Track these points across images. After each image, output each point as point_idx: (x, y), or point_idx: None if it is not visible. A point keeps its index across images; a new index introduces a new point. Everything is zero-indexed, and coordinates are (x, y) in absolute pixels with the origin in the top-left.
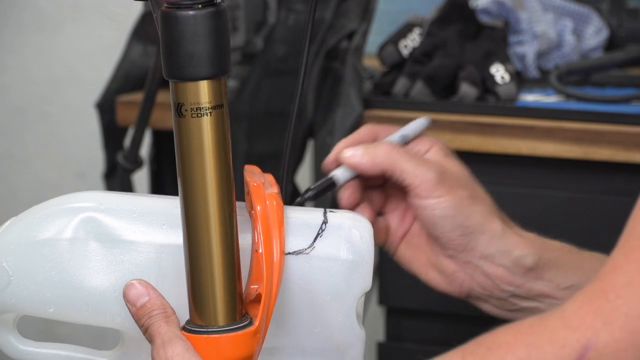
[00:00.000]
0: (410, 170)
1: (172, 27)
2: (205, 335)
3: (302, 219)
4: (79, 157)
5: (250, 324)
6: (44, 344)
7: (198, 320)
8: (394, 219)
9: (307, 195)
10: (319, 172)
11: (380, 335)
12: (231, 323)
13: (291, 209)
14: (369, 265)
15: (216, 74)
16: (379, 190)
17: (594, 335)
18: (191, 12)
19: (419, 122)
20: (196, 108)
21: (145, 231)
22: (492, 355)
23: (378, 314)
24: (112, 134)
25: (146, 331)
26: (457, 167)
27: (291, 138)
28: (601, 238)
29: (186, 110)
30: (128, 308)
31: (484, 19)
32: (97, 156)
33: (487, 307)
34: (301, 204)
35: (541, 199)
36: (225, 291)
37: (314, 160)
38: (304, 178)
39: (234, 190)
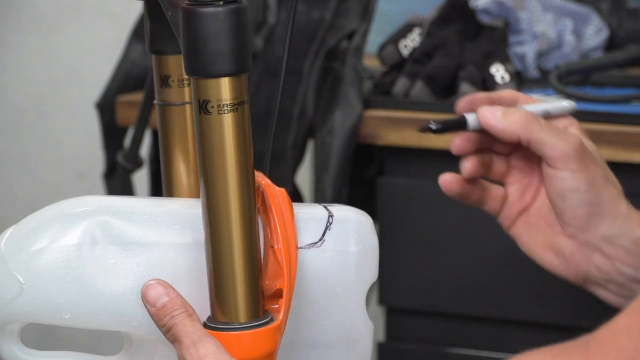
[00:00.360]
0: (549, 142)
1: (197, 24)
2: (228, 332)
3: (309, 214)
4: (79, 157)
5: (272, 319)
6: (48, 353)
7: (221, 317)
8: (514, 192)
9: (434, 126)
10: (319, 172)
11: (380, 335)
12: (254, 319)
13: (293, 205)
14: (375, 256)
15: (240, 71)
16: (504, 158)
17: None
18: (219, 9)
19: (564, 104)
20: (222, 105)
21: (158, 232)
22: None
23: (378, 314)
24: (112, 133)
25: (168, 331)
26: (593, 147)
27: (272, 137)
28: None
29: (212, 107)
30: (147, 309)
31: (484, 19)
32: (97, 156)
33: (605, 294)
34: (425, 130)
35: None
36: (248, 287)
37: (313, 160)
38: (304, 178)
39: (255, 187)
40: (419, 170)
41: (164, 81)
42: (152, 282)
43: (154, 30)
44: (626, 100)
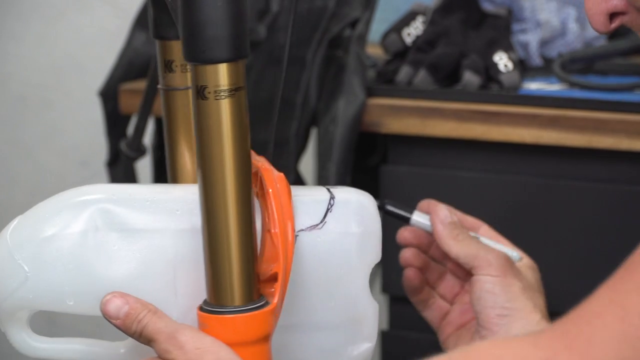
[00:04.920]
0: (475, 254)
1: (196, 10)
2: (222, 315)
3: (310, 196)
4: (82, 146)
5: (267, 303)
6: (58, 340)
7: (216, 301)
8: (456, 309)
9: (384, 205)
10: (322, 160)
11: (383, 323)
12: (249, 303)
13: (295, 188)
14: (377, 237)
15: (237, 57)
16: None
17: (553, 356)
18: None
19: (513, 254)
20: (219, 90)
21: (159, 218)
22: None
23: (381, 302)
24: (115, 122)
25: (141, 335)
26: (534, 278)
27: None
28: (605, 227)
29: (209, 92)
30: (113, 324)
31: (487, 7)
32: (100, 144)
33: None
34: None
35: (545, 187)
36: (243, 272)
37: (316, 149)
38: (307, 166)
39: (251, 172)
40: (422, 158)
41: (168, 66)
42: (107, 297)
43: (158, 15)
44: (629, 89)
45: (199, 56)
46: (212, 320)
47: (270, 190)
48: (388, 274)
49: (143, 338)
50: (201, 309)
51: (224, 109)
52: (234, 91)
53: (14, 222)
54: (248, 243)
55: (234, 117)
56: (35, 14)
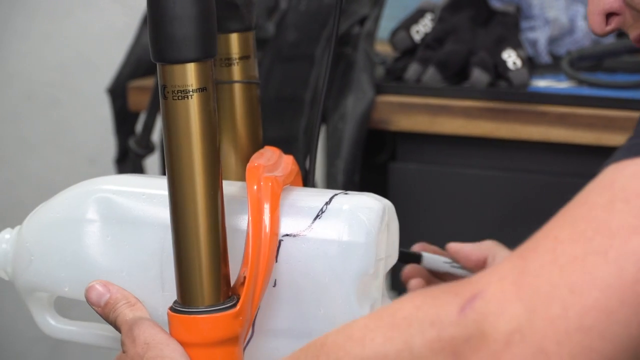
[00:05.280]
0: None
1: (155, 10)
2: (186, 315)
3: (307, 202)
4: (90, 143)
5: (234, 306)
6: (78, 323)
7: (184, 301)
8: None
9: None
10: (331, 157)
11: None
12: (214, 304)
13: (302, 190)
14: (369, 248)
15: (199, 57)
16: None
17: (486, 286)
18: None
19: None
20: (178, 90)
21: (151, 212)
22: (397, 302)
23: (390, 299)
24: (123, 119)
25: (115, 324)
26: None
27: (318, 126)
28: None
29: (168, 92)
30: (95, 310)
31: (496, 5)
32: (108, 142)
33: None
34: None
35: (553, 185)
36: (209, 272)
37: (325, 146)
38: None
39: (220, 172)
40: (431, 155)
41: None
42: (92, 283)
43: None
44: (638, 86)
45: (158, 56)
46: (174, 320)
47: (255, 187)
48: (397, 270)
49: (116, 327)
50: (171, 307)
51: (186, 109)
52: (194, 92)
53: (36, 209)
54: (214, 243)
55: (196, 118)
56: (42, 12)
